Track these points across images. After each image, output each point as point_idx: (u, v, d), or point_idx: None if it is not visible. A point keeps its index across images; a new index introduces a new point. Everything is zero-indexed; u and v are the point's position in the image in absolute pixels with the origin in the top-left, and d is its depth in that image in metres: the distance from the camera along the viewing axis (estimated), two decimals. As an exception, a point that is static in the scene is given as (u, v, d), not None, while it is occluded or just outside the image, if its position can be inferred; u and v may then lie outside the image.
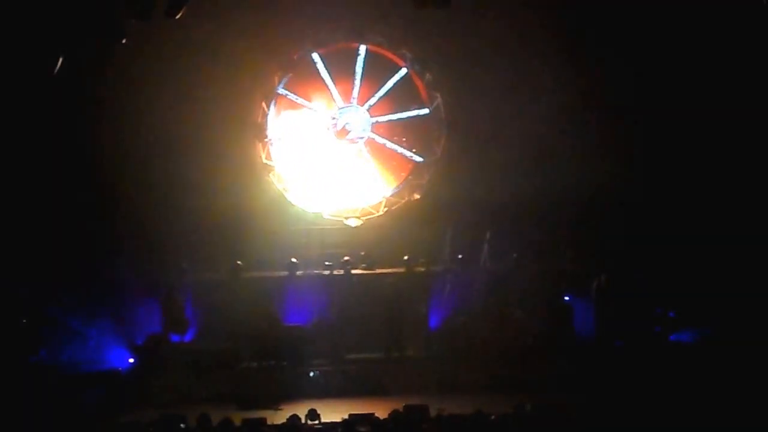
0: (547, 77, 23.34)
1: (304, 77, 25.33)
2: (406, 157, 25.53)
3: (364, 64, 25.21)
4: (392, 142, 25.45)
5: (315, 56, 25.17)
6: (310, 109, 25.32)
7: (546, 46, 23.12)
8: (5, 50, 17.05)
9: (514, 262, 23.59)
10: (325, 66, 25.18)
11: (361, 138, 25.38)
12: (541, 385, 19.79)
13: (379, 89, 25.26)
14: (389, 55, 25.29)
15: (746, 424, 14.49)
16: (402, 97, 25.52)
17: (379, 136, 25.43)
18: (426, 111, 25.43)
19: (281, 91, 25.10)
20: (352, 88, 25.31)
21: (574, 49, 23.05)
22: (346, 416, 15.69)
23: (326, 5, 24.03)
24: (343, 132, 25.29)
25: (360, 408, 17.17)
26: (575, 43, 23.03)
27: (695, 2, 20.98)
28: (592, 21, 22.68)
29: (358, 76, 25.26)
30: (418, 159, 25.47)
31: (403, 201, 25.41)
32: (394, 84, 25.31)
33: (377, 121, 25.43)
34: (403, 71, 25.26)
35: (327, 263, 23.95)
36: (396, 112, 25.44)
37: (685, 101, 22.15)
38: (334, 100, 25.31)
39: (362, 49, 25.18)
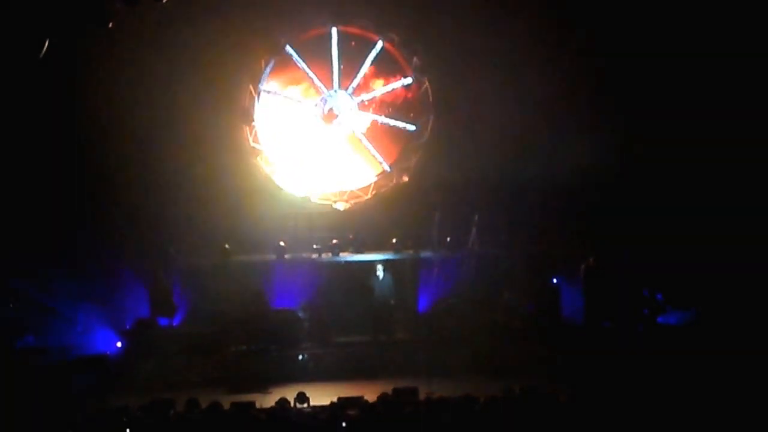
0: (535, 59, 23.29)
1: (290, 61, 25.28)
2: (398, 130, 25.60)
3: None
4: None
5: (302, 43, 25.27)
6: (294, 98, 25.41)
7: (533, 29, 23.13)
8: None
9: (502, 245, 23.67)
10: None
11: (348, 120, 25.38)
12: (529, 367, 19.86)
13: (361, 67, 25.38)
14: (375, 38, 25.27)
15: (734, 407, 14.53)
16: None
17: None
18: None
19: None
20: (338, 73, 25.31)
21: (560, 32, 23.08)
22: (335, 399, 15.70)
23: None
24: (331, 116, 25.26)
25: (349, 391, 17.22)
26: (562, 26, 23.04)
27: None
28: (579, 6, 22.65)
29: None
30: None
31: (392, 184, 25.41)
32: (374, 58, 25.30)
33: (363, 101, 25.44)
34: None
35: (315, 246, 24.03)
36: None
37: (670, 88, 22.18)
38: (320, 84, 25.25)
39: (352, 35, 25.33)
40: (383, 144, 25.55)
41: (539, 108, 23.42)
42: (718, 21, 20.83)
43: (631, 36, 22.36)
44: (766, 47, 20.76)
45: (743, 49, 20.97)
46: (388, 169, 25.40)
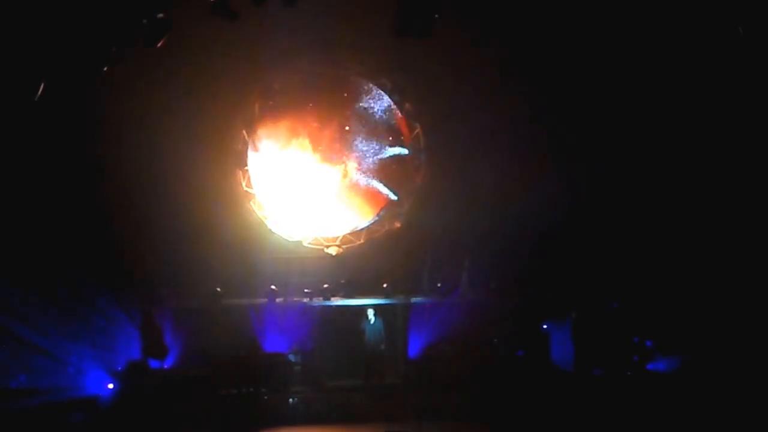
0: (526, 107, 23.48)
1: (282, 106, 25.49)
2: (390, 177, 25.82)
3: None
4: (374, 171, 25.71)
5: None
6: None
7: (525, 76, 23.33)
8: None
9: (492, 291, 23.75)
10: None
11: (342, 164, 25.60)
12: (519, 414, 19.88)
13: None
14: (370, 83, 25.52)
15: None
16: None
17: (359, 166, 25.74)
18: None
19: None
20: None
21: (552, 79, 23.25)
22: (325, 443, 15.76)
23: (307, 34, 24.11)
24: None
25: (339, 435, 17.26)
26: (553, 73, 23.22)
27: (667, 30, 21.12)
28: (569, 51, 22.87)
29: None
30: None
31: (383, 230, 25.53)
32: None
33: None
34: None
35: (307, 291, 24.06)
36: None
37: (657, 129, 22.39)
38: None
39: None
40: (376, 191, 25.72)
41: (530, 157, 23.58)
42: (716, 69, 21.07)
43: (623, 84, 22.56)
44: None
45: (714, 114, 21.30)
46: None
